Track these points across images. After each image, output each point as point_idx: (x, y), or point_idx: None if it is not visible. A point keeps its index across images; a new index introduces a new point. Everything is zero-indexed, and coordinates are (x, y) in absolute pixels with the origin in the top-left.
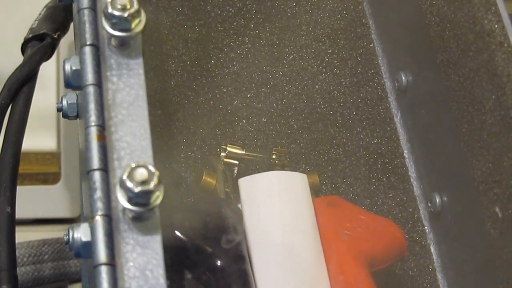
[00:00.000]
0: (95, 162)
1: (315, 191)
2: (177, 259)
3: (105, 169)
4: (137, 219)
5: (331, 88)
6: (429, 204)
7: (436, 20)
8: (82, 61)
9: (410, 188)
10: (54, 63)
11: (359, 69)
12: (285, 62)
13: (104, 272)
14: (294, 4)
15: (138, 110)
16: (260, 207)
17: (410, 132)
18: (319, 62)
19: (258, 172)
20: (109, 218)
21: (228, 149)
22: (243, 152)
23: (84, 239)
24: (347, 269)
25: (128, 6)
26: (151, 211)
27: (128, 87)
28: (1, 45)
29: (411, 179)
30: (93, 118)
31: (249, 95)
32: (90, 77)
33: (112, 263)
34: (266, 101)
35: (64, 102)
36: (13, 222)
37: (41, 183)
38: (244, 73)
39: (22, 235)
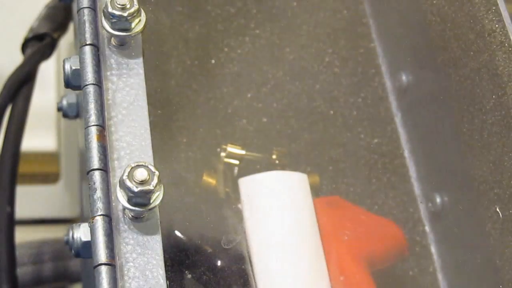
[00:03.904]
0: (95, 162)
1: (315, 191)
2: (177, 259)
3: (105, 169)
4: (137, 219)
5: (331, 88)
6: (430, 204)
7: (437, 20)
8: (82, 61)
9: (410, 188)
10: (54, 63)
11: (359, 69)
12: (285, 62)
13: (104, 272)
14: (294, 4)
15: (138, 110)
16: (260, 207)
17: (410, 132)
18: (319, 62)
19: (258, 172)
20: (109, 218)
21: (228, 149)
22: (243, 152)
23: (84, 239)
24: (347, 269)
25: (128, 6)
26: (151, 211)
27: (128, 86)
28: (1, 45)
29: (411, 179)
30: (93, 118)
31: (249, 95)
32: (90, 76)
33: (112, 263)
34: (266, 101)
35: (64, 102)
36: (12, 222)
37: (40, 183)
38: (244, 73)
39: (22, 235)
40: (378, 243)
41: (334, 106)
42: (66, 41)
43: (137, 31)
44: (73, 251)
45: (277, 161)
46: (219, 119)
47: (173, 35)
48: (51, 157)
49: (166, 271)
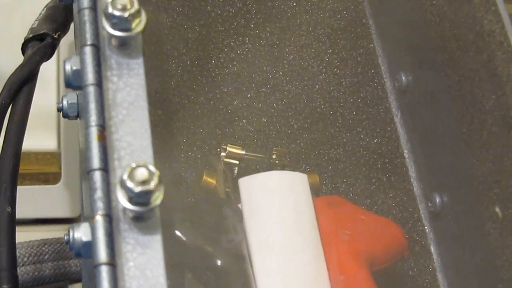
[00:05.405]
0: (96, 162)
1: (315, 191)
2: (177, 259)
3: (105, 169)
4: (138, 219)
5: (331, 88)
6: (429, 204)
7: (436, 20)
8: (82, 61)
9: (410, 188)
10: (55, 63)
11: (359, 69)
12: (285, 62)
13: (104, 272)
14: (294, 4)
15: (138, 110)
16: (260, 207)
17: (410, 132)
18: (319, 62)
19: (258, 172)
20: (109, 218)
21: (228, 149)
22: (243, 152)
23: (84, 239)
24: (347, 269)
25: (129, 6)
26: (152, 211)
27: (129, 87)
28: (1, 45)
29: (411, 179)
30: (93, 118)
31: (249, 95)
32: (90, 77)
33: (112, 263)
34: (266, 101)
35: (65, 102)
36: (13, 222)
37: (41, 183)
38: (244, 73)
39: (23, 235)
40: (378, 243)
41: (334, 106)
42: (66, 41)
43: (138, 32)
44: (73, 251)
45: (277, 161)
46: (219, 119)
47: (173, 35)
48: (52, 157)
49: (166, 271)
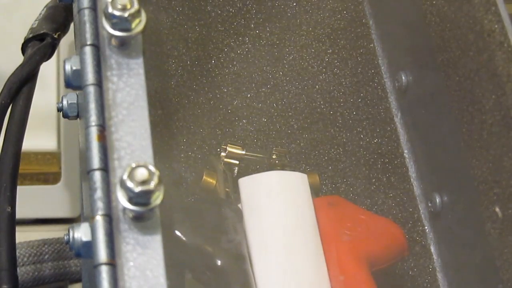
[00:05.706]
0: (96, 162)
1: (315, 191)
2: (177, 259)
3: (105, 169)
4: (138, 219)
5: (331, 88)
6: (429, 204)
7: (436, 20)
8: (82, 61)
9: (410, 188)
10: (55, 63)
11: (359, 69)
12: (285, 62)
13: (104, 272)
14: (294, 4)
15: (138, 110)
16: (260, 207)
17: (410, 132)
18: (319, 62)
19: (258, 172)
20: (109, 218)
21: (228, 149)
22: (243, 152)
23: (84, 239)
24: (347, 269)
25: (129, 6)
26: (151, 211)
27: (129, 87)
28: (1, 45)
29: (411, 179)
30: (93, 118)
31: (249, 95)
32: (90, 77)
33: (112, 263)
34: (266, 101)
35: (65, 102)
36: (13, 222)
37: (41, 183)
38: (244, 73)
39: (23, 235)
40: (378, 243)
41: (334, 106)
42: (66, 41)
43: (138, 32)
44: (73, 251)
45: (277, 161)
46: (219, 119)
47: (173, 35)
48: (52, 157)
49: (166, 271)
